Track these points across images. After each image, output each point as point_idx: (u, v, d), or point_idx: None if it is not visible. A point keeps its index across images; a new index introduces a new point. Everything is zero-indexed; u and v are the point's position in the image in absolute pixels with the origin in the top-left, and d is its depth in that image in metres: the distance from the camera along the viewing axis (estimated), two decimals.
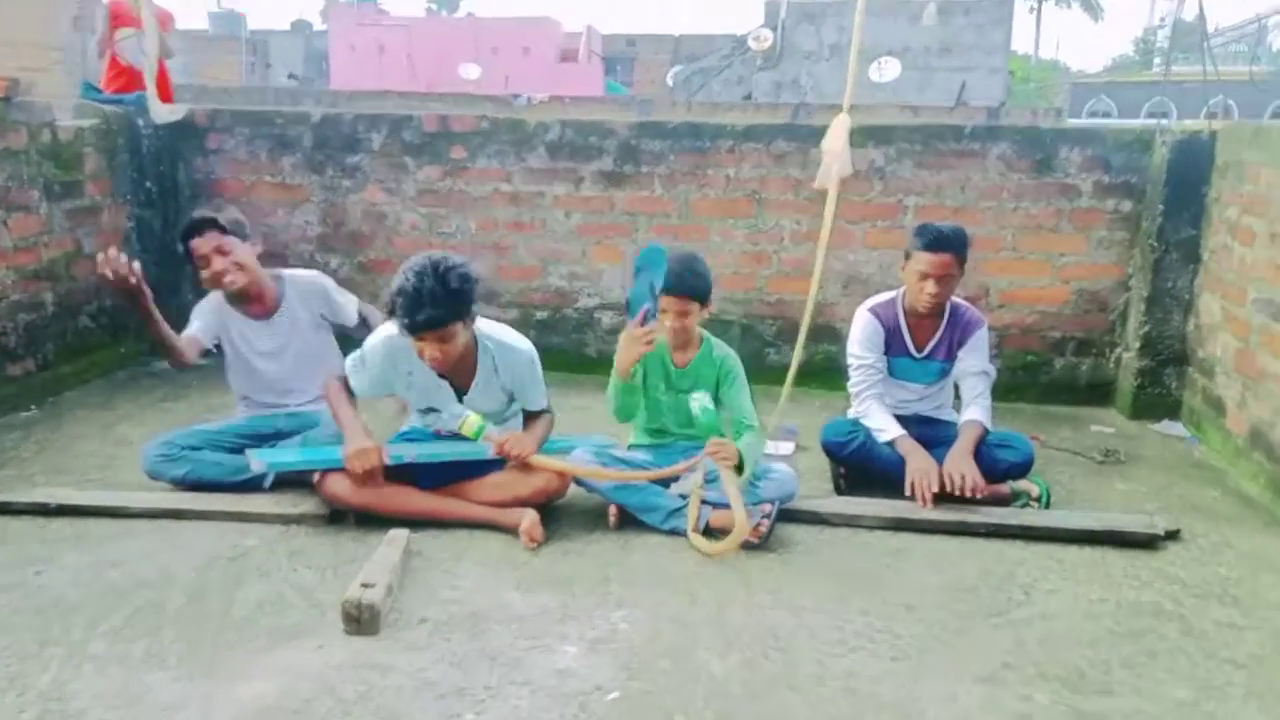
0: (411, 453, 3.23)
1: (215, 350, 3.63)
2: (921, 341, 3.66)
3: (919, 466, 3.40)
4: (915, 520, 3.30)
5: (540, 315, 5.13)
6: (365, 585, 2.65)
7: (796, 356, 2.83)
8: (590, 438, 3.50)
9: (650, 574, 2.98)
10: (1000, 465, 3.51)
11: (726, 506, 3.11)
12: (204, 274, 3.45)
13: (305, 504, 3.28)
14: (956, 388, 3.78)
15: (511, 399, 3.36)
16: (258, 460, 3.16)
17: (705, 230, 4.94)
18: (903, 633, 2.67)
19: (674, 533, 3.22)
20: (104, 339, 4.91)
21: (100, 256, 3.18)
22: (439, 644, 2.56)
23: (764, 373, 5.02)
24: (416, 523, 3.19)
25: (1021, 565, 3.09)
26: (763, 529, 3.10)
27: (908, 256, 3.54)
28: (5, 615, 2.65)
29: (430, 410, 3.33)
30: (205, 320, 3.61)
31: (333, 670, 2.43)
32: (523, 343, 3.30)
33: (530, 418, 3.39)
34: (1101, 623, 2.76)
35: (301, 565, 2.98)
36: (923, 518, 3.31)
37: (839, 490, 3.62)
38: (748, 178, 4.87)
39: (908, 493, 3.38)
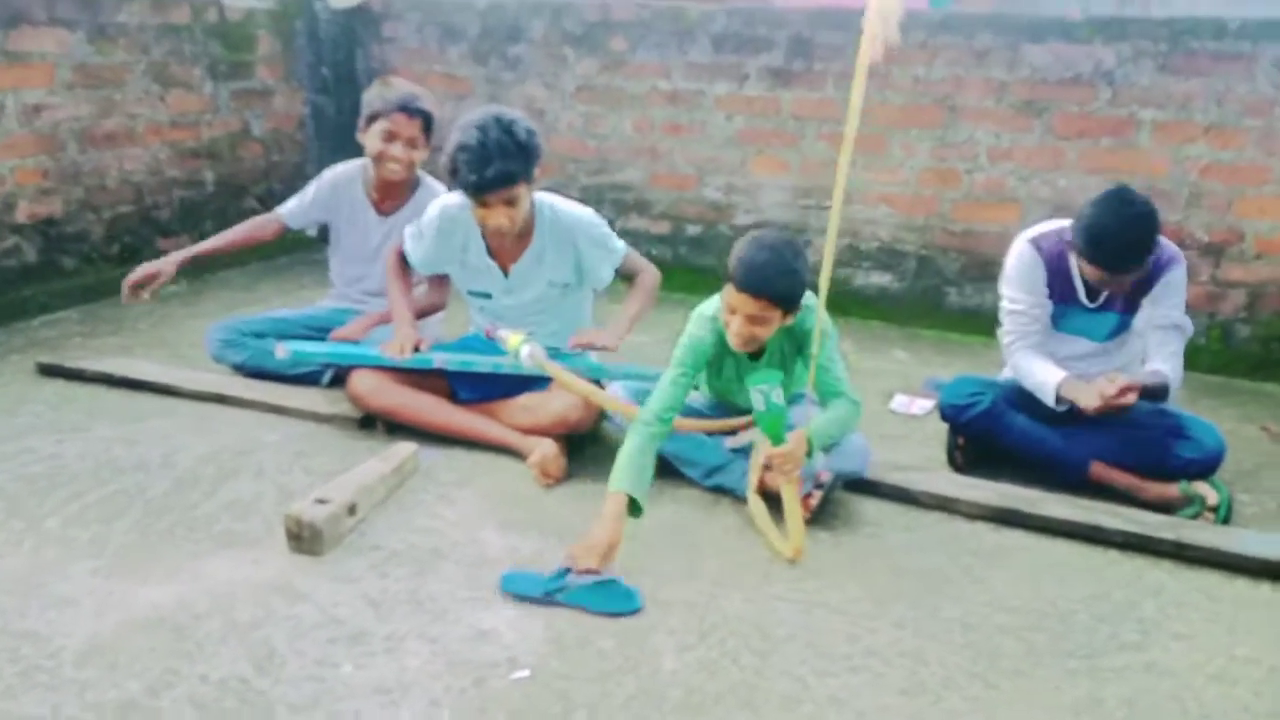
0: (441, 359, 2.92)
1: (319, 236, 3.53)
2: (1096, 287, 2.84)
3: (1089, 391, 2.63)
4: (1029, 515, 2.57)
5: (692, 231, 4.62)
6: (319, 501, 2.38)
7: (826, 271, 2.19)
8: (642, 368, 3.02)
9: (660, 534, 2.49)
10: (1173, 460, 2.67)
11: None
12: (379, 146, 3.21)
13: (343, 404, 3.07)
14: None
15: (571, 283, 2.94)
16: (283, 347, 2.97)
17: (882, 141, 4.20)
18: (933, 659, 2.03)
19: (718, 490, 2.70)
20: None
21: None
22: (374, 578, 2.24)
23: (940, 316, 4.32)
24: (451, 440, 2.89)
25: (1157, 595, 2.31)
26: (812, 502, 2.51)
27: (1071, 242, 2.70)
28: (5, 480, 2.62)
29: (481, 295, 3.00)
30: (316, 196, 3.44)
31: (247, 588, 2.18)
32: (582, 208, 2.95)
33: (630, 288, 2.94)
34: (1234, 692, 1.97)
35: (301, 468, 2.76)
36: (1039, 513, 2.56)
37: (954, 465, 2.91)
38: (940, 79, 4.06)
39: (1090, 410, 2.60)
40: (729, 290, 2.38)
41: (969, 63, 4.00)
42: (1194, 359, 3.27)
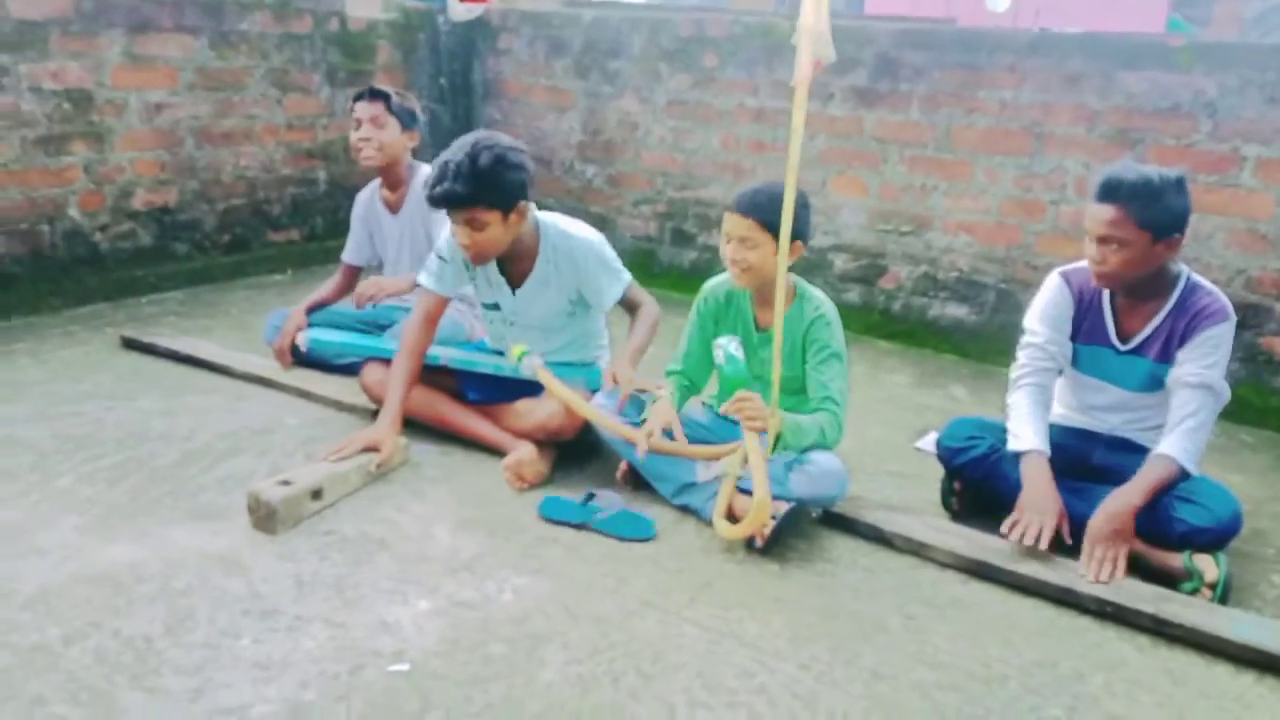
0: (446, 356, 3.01)
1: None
2: (1130, 328, 2.61)
3: (1032, 503, 2.46)
4: (1001, 569, 2.39)
5: None
6: (282, 482, 2.51)
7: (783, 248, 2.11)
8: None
9: (606, 548, 2.48)
10: (1176, 527, 2.41)
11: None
12: (351, 137, 3.44)
13: (365, 395, 3.22)
14: None
15: (578, 304, 2.94)
16: (302, 335, 3.15)
17: (966, 167, 4.00)
18: (823, 707, 1.93)
19: (685, 509, 2.66)
20: None
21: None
22: (312, 561, 2.35)
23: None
24: (450, 437, 2.99)
25: (1112, 670, 2.10)
26: (766, 532, 2.43)
27: None
28: (45, 438, 2.91)
29: (492, 307, 3.04)
30: (353, 225, 3.67)
31: (194, 557, 2.33)
32: (588, 231, 2.94)
33: (633, 321, 2.93)
34: None
35: (303, 451, 2.91)
36: (1013, 570, 2.38)
37: (948, 509, 2.75)
38: (1028, 104, 3.83)
39: (1003, 530, 2.46)
40: (724, 219, 2.59)
41: (1059, 88, 3.76)
42: None
